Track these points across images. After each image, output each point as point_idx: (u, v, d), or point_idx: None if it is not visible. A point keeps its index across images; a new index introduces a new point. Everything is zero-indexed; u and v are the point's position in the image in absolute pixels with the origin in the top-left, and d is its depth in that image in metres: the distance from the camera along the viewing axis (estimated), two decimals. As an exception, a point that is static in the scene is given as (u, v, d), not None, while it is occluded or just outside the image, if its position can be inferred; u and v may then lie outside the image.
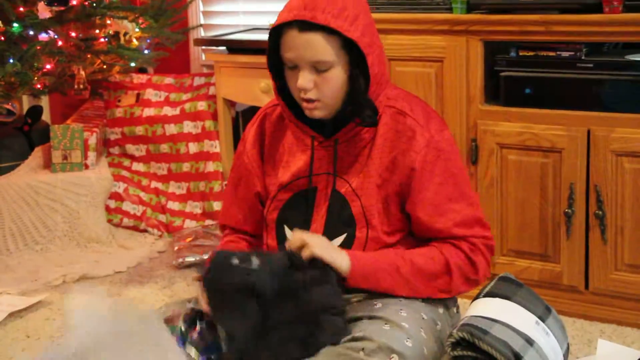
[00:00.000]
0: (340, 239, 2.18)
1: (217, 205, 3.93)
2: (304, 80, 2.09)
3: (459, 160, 2.25)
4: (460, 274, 2.17)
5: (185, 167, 4.03)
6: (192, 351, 2.07)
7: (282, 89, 2.22)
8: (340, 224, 2.19)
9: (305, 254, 2.04)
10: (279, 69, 2.19)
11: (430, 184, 2.16)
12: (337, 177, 2.22)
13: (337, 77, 2.11)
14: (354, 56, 2.10)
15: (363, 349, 1.96)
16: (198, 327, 2.13)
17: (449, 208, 2.17)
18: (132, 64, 4.01)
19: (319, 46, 2.07)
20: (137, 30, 3.88)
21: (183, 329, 2.09)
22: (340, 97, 2.14)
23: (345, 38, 2.06)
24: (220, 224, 2.50)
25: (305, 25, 2.05)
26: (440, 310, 2.23)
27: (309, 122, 2.21)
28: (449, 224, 2.17)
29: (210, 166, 3.99)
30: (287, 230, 2.27)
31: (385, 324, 2.04)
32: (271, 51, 2.17)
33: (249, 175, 2.36)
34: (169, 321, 2.13)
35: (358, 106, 2.13)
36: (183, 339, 2.08)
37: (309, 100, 2.12)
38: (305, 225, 2.24)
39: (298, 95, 2.14)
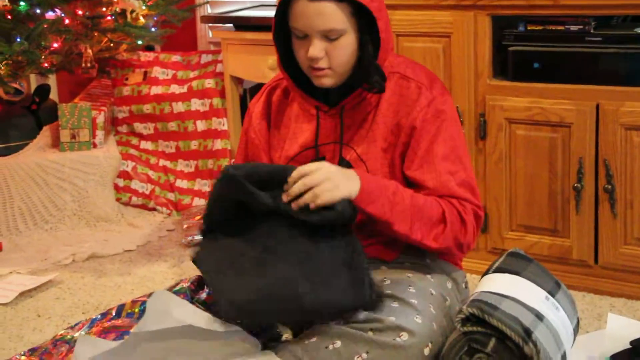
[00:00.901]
0: None
1: (225, 183, 3.94)
2: (315, 49, 2.09)
3: (459, 127, 2.27)
4: (452, 229, 2.14)
5: (194, 145, 4.03)
6: (199, 306, 2.08)
7: (285, 60, 2.22)
8: None
9: (315, 203, 1.98)
10: (284, 40, 2.19)
11: (427, 142, 2.17)
12: (344, 144, 2.23)
13: (348, 44, 2.11)
14: (364, 22, 2.11)
15: (372, 329, 1.97)
16: (206, 289, 2.14)
17: (444, 167, 2.17)
18: (139, 42, 4.02)
19: (331, 14, 2.07)
20: (143, 7, 3.88)
21: (188, 288, 2.10)
22: (350, 64, 2.15)
23: (355, 4, 2.07)
24: None
25: None
26: (449, 285, 2.24)
27: (313, 92, 2.21)
28: (444, 181, 2.16)
29: (219, 144, 3.99)
30: None
31: (394, 301, 2.05)
32: (277, 21, 2.17)
33: (256, 150, 2.37)
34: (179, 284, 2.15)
35: (367, 72, 2.14)
36: (190, 298, 2.08)
37: (319, 69, 2.12)
38: None
39: (307, 64, 2.14)
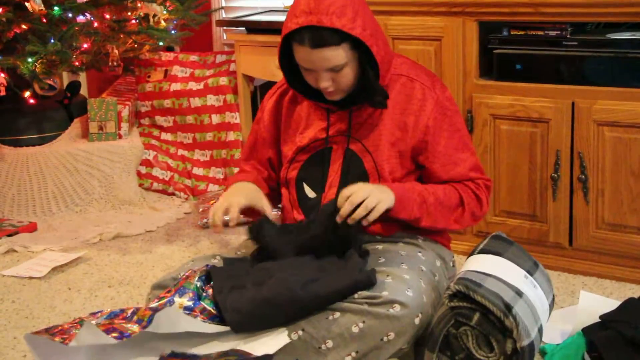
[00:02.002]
0: None
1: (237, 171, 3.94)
2: (323, 83, 2.14)
3: (461, 116, 2.33)
4: (469, 209, 2.25)
5: (209, 136, 4.03)
6: (208, 304, 2.06)
7: (291, 75, 2.25)
8: (355, 178, 2.20)
9: (368, 218, 2.06)
10: (289, 58, 2.21)
11: (441, 139, 2.25)
12: (351, 137, 2.25)
13: (351, 72, 2.15)
14: (362, 50, 2.12)
15: (367, 302, 1.97)
16: (212, 284, 2.13)
17: (458, 158, 2.26)
18: (161, 43, 4.01)
19: (332, 56, 2.09)
20: (164, 12, 3.87)
21: (198, 285, 2.09)
22: (354, 83, 2.19)
23: (351, 37, 2.08)
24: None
25: (316, 41, 2.06)
26: (438, 263, 2.24)
27: (324, 99, 2.23)
28: (460, 171, 2.25)
29: (231, 135, 3.99)
30: (305, 187, 2.31)
31: (388, 276, 2.05)
32: (282, 48, 2.19)
33: (263, 142, 2.40)
34: (183, 280, 2.12)
35: (369, 93, 2.19)
36: (199, 295, 2.07)
37: (329, 92, 2.18)
38: (322, 180, 2.28)
39: (316, 87, 2.17)
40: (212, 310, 2.04)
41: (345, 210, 2.04)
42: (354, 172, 2.24)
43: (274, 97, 2.38)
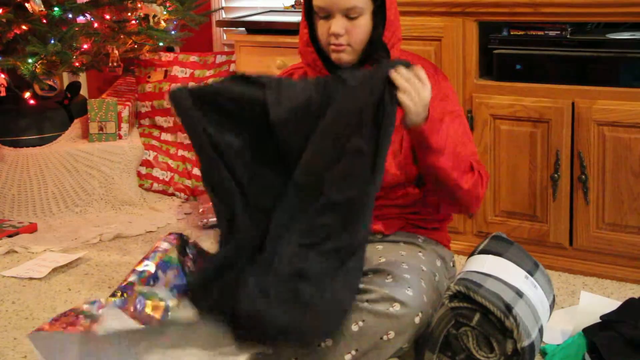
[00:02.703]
0: None
1: (237, 171, 3.94)
2: (336, 26, 2.10)
3: (462, 108, 2.31)
4: (475, 180, 2.14)
5: (209, 136, 4.03)
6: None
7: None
8: None
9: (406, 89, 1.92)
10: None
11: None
12: None
13: (365, 24, 2.12)
14: (377, 6, 2.12)
15: (367, 300, 1.97)
16: (190, 254, 2.11)
17: (460, 141, 2.20)
18: (161, 44, 4.01)
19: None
20: (164, 13, 3.87)
21: (178, 260, 2.07)
22: (364, 42, 2.14)
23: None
24: None
25: None
26: (439, 263, 2.24)
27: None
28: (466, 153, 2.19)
29: (232, 136, 3.98)
30: None
31: (388, 275, 2.05)
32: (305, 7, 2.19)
33: None
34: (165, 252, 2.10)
35: (374, 47, 2.14)
36: (183, 271, 2.05)
37: (338, 44, 2.12)
38: None
39: (327, 42, 2.14)
40: None
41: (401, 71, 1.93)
42: None
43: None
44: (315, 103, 1.97)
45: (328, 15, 2.11)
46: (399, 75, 1.92)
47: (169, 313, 1.92)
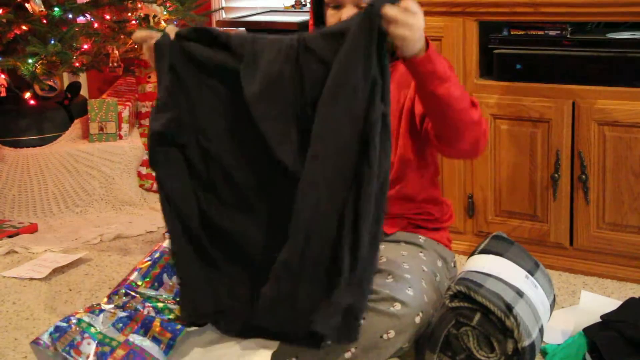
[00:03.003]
0: None
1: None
2: (347, 15, 2.09)
3: None
4: (480, 114, 2.08)
5: (209, 136, 4.03)
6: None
7: None
8: None
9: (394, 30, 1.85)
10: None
11: None
12: None
13: None
14: None
15: (369, 299, 1.97)
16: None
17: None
18: (161, 44, 4.00)
19: None
20: (165, 13, 3.87)
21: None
22: None
23: None
24: None
25: None
26: (439, 264, 2.25)
27: None
28: None
29: (232, 136, 3.98)
30: None
31: (389, 275, 2.06)
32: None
33: None
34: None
35: None
36: None
37: None
38: None
39: None
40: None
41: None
42: None
43: None
44: (287, 78, 1.89)
45: (339, 5, 2.12)
46: (389, 10, 1.84)
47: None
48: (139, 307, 1.98)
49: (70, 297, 2.89)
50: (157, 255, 2.10)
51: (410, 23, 1.85)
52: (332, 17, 2.14)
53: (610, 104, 2.76)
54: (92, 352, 1.85)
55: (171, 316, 1.97)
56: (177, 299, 2.01)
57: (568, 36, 2.85)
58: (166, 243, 2.13)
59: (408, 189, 2.27)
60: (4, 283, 3.02)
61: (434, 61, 1.94)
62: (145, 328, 1.93)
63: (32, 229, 3.55)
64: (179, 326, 1.94)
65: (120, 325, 1.94)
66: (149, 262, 2.08)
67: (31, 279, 3.04)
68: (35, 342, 1.89)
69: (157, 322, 1.94)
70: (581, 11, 2.79)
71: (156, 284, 2.05)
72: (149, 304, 2.00)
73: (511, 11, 2.89)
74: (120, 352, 1.86)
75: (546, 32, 2.88)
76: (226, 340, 1.97)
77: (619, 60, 2.76)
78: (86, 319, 1.93)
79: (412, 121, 2.23)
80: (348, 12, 2.09)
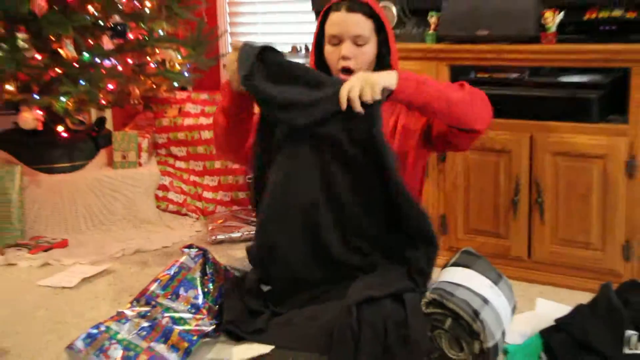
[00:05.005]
0: None
1: (242, 195, 3.94)
2: (346, 50, 2.14)
3: None
4: (472, 89, 2.12)
5: (217, 164, 4.03)
6: (211, 302, 2.04)
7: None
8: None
9: (365, 97, 1.93)
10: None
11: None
12: None
13: (371, 51, 2.18)
14: (381, 39, 2.18)
15: None
16: (208, 274, 2.10)
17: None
18: (175, 84, 4.01)
19: (361, 22, 2.15)
20: (179, 57, 3.88)
21: (200, 282, 2.06)
22: (371, 68, 2.18)
23: (375, 23, 2.17)
24: None
25: (351, 6, 2.15)
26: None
27: None
28: None
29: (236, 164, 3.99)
30: None
31: None
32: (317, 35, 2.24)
33: None
34: (188, 270, 2.10)
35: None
36: (202, 291, 2.05)
37: (347, 69, 2.15)
38: None
39: (337, 67, 2.17)
40: (215, 308, 2.02)
41: (342, 101, 1.95)
42: None
43: None
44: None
45: (338, 42, 2.14)
46: (342, 102, 1.95)
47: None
48: (159, 316, 1.98)
49: (96, 303, 2.88)
50: (175, 269, 2.09)
51: (359, 80, 1.93)
52: (333, 54, 2.16)
53: (562, 137, 2.77)
54: (119, 356, 1.86)
55: (186, 327, 1.97)
56: (192, 311, 2.01)
57: (526, 79, 2.87)
58: (183, 258, 2.12)
59: None
60: (39, 291, 3.02)
61: (408, 78, 2.01)
62: (165, 337, 1.93)
63: (64, 244, 3.54)
64: (195, 337, 1.94)
65: (144, 333, 1.94)
66: (168, 276, 2.07)
67: (62, 287, 3.04)
68: (70, 348, 1.89)
69: (175, 332, 1.94)
70: (537, 57, 2.81)
71: (174, 296, 2.04)
72: (167, 314, 1.99)
73: (477, 57, 2.91)
74: (143, 357, 1.86)
75: (507, 75, 2.90)
76: (235, 350, 1.97)
77: (568, 100, 2.77)
78: (114, 326, 1.93)
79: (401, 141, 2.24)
80: (347, 47, 2.11)
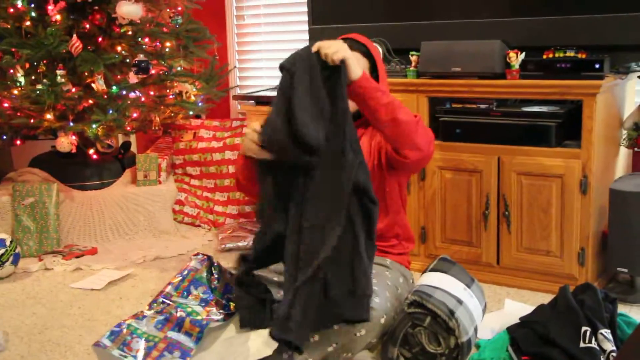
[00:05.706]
0: None
1: (249, 208, 3.94)
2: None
3: None
4: (418, 119, 2.04)
5: (227, 182, 4.03)
6: (218, 296, 2.04)
7: None
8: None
9: (336, 56, 1.88)
10: None
11: None
12: None
13: None
14: (373, 76, 2.18)
15: None
16: (214, 274, 2.10)
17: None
18: (191, 112, 4.01)
19: (360, 60, 2.16)
20: (194, 89, 3.89)
21: (207, 279, 2.06)
22: None
23: (371, 62, 2.19)
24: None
25: (354, 45, 2.16)
26: (401, 280, 2.23)
27: None
28: None
29: (244, 181, 3.98)
30: None
31: None
32: None
33: None
34: (196, 271, 2.08)
35: None
36: (210, 288, 2.05)
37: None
38: None
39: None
40: (222, 301, 2.02)
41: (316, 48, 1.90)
42: None
43: None
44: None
45: None
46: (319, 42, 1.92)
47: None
48: (173, 311, 1.98)
49: (121, 303, 2.88)
50: (185, 272, 2.09)
51: (337, 47, 1.90)
52: None
53: (525, 159, 2.78)
54: (141, 347, 1.86)
55: (197, 317, 1.97)
56: (202, 305, 2.01)
57: (494, 109, 2.88)
58: (193, 263, 2.12)
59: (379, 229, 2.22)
60: (72, 293, 3.01)
61: (370, 79, 1.97)
62: (179, 326, 1.93)
63: (93, 251, 3.54)
64: (204, 322, 1.95)
65: (160, 325, 1.94)
66: (180, 278, 2.08)
67: (92, 289, 3.03)
68: (97, 345, 1.89)
69: (187, 321, 1.94)
70: (503, 91, 2.83)
71: (185, 294, 2.04)
72: (181, 309, 1.99)
73: (452, 90, 2.92)
74: (161, 345, 1.87)
75: (478, 105, 2.91)
76: (244, 336, 1.96)
77: (530, 127, 2.78)
78: (133, 323, 1.94)
79: (379, 159, 2.17)
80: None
